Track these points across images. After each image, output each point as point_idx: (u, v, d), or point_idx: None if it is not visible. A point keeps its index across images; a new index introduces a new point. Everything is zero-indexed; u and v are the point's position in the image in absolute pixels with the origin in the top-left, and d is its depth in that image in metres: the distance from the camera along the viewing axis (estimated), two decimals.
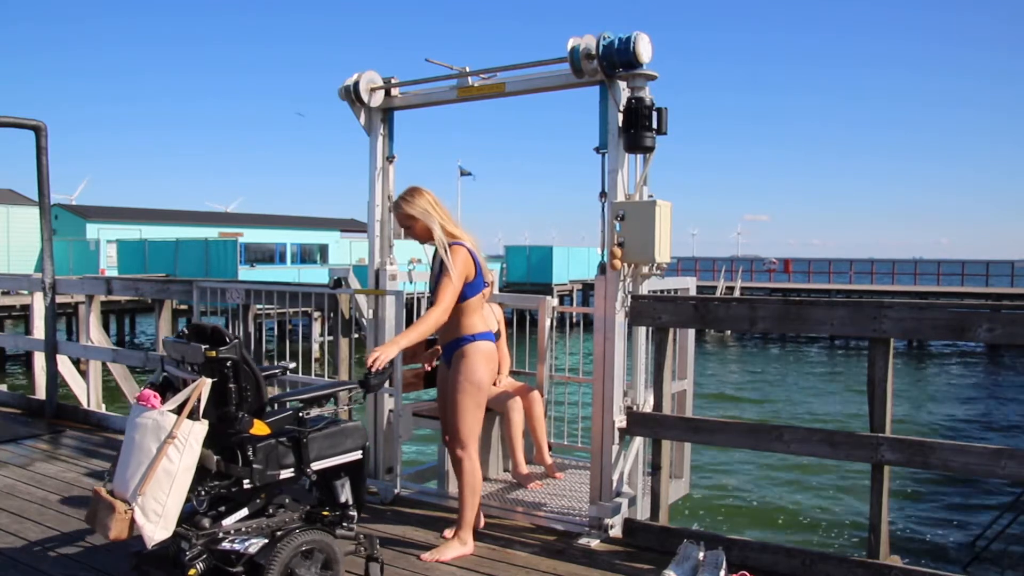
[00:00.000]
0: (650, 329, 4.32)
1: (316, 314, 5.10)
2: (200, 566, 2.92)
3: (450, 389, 3.87)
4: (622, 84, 3.99)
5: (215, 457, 3.03)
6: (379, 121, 4.89)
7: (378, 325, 4.90)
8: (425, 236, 3.88)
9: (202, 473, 3.01)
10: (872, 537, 3.58)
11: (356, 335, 5.25)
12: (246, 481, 3.07)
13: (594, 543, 4.03)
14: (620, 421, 4.12)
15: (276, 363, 3.53)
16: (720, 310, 4.01)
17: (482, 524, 4.24)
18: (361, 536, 3.39)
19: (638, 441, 4.35)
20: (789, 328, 3.90)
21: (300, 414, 3.19)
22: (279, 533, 3.09)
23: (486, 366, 3.85)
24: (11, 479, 5.07)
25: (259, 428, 3.08)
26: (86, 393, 7.15)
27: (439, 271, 3.81)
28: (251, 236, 32.38)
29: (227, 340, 3.02)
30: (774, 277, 44.46)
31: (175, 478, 2.89)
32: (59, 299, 7.15)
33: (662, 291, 4.52)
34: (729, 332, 31.52)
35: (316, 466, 3.21)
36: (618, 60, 3.87)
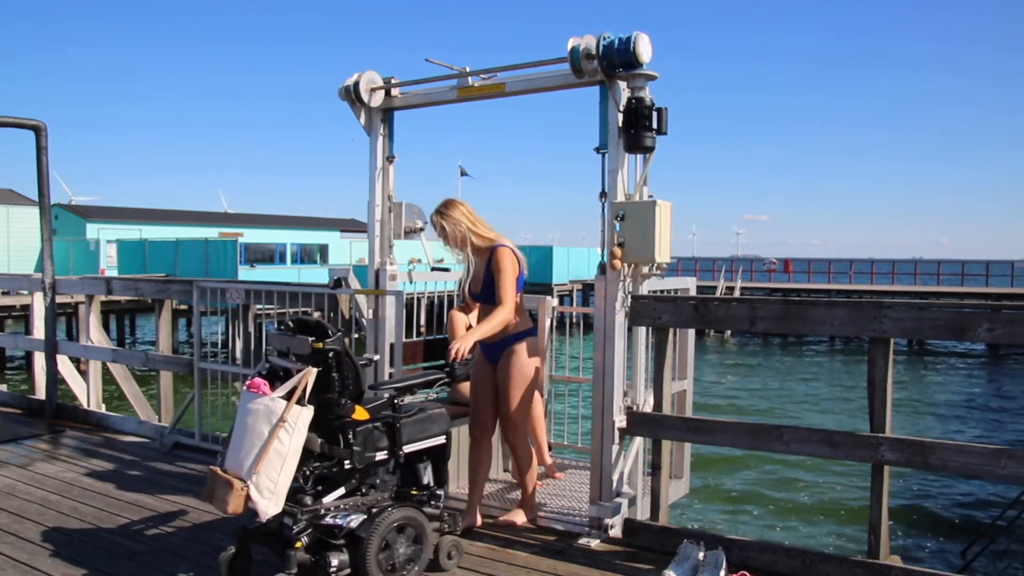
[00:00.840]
0: (650, 329, 4.32)
1: (316, 314, 5.08)
2: (305, 539, 3.22)
3: (502, 384, 4.19)
4: (622, 84, 3.99)
5: (319, 439, 3.32)
6: (379, 121, 4.89)
7: (378, 325, 4.90)
8: (461, 245, 4.18)
9: (306, 454, 3.27)
10: (872, 537, 3.57)
11: (356, 335, 5.24)
12: (347, 462, 3.35)
13: (594, 543, 4.03)
14: (620, 421, 4.12)
15: (362, 356, 4.00)
16: (720, 310, 4.01)
17: (479, 523, 4.27)
18: (445, 514, 3.66)
19: (638, 441, 4.34)
20: (789, 328, 3.90)
21: (395, 401, 3.50)
22: (374, 510, 3.37)
23: (533, 360, 4.22)
24: (11, 479, 5.07)
25: (359, 413, 3.40)
26: (86, 393, 7.15)
27: (486, 274, 4.13)
28: (251, 236, 32.37)
29: (330, 333, 3.31)
30: (774, 277, 44.43)
31: (286, 458, 3.16)
32: (59, 299, 7.15)
33: (662, 291, 4.52)
34: (729, 332, 31.54)
35: (407, 449, 3.51)
36: (618, 60, 3.87)
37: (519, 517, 4.32)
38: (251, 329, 5.57)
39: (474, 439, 4.31)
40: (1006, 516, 9.75)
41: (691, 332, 4.90)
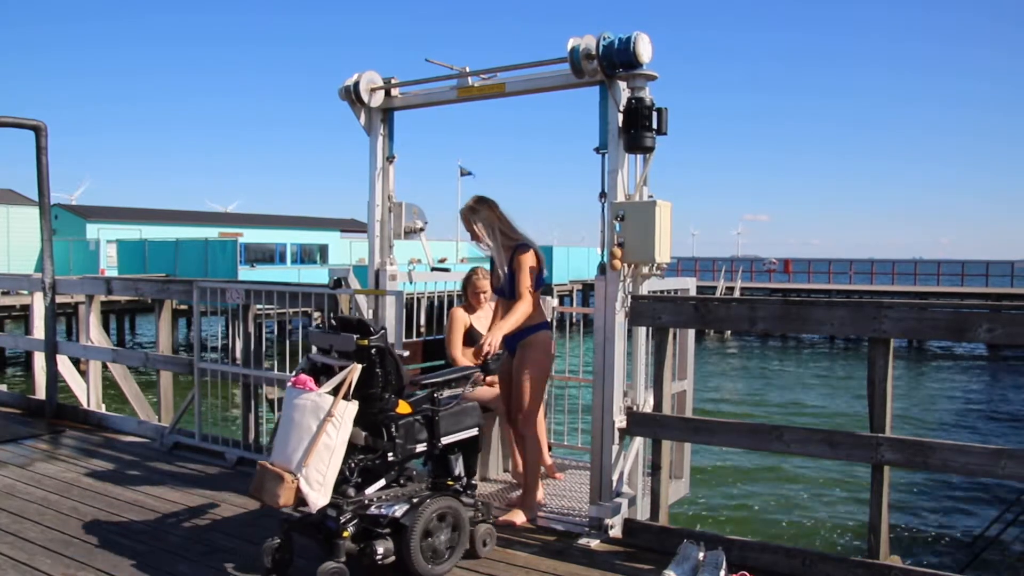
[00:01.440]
0: (650, 329, 4.32)
1: (316, 314, 5.09)
2: (351, 529, 3.34)
3: (516, 374, 4.34)
4: (622, 84, 3.99)
5: (363, 433, 3.45)
6: (379, 121, 4.89)
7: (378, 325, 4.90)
8: (489, 242, 4.35)
9: (350, 448, 3.39)
10: (872, 537, 3.57)
11: None
12: (390, 455, 3.49)
13: (594, 543, 4.03)
14: (620, 421, 4.12)
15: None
16: (720, 310, 4.01)
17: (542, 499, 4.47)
18: (479, 503, 3.82)
19: (638, 441, 4.34)
20: (789, 328, 3.90)
21: (434, 394, 3.65)
22: (415, 499, 3.50)
23: (547, 352, 4.38)
24: (11, 479, 5.07)
25: (403, 407, 3.55)
26: (86, 393, 7.14)
27: (509, 271, 4.30)
28: (251, 236, 32.33)
29: (371, 330, 3.45)
30: (774, 277, 44.46)
31: (333, 451, 3.29)
32: (59, 299, 7.15)
33: (662, 291, 4.52)
34: (729, 332, 31.53)
35: (444, 441, 3.65)
36: (618, 60, 3.87)
37: (518, 517, 4.32)
38: (251, 329, 5.56)
39: (513, 427, 4.54)
40: (1006, 516, 9.75)
41: (691, 332, 4.90)
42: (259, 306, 5.53)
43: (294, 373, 3.60)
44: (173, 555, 3.82)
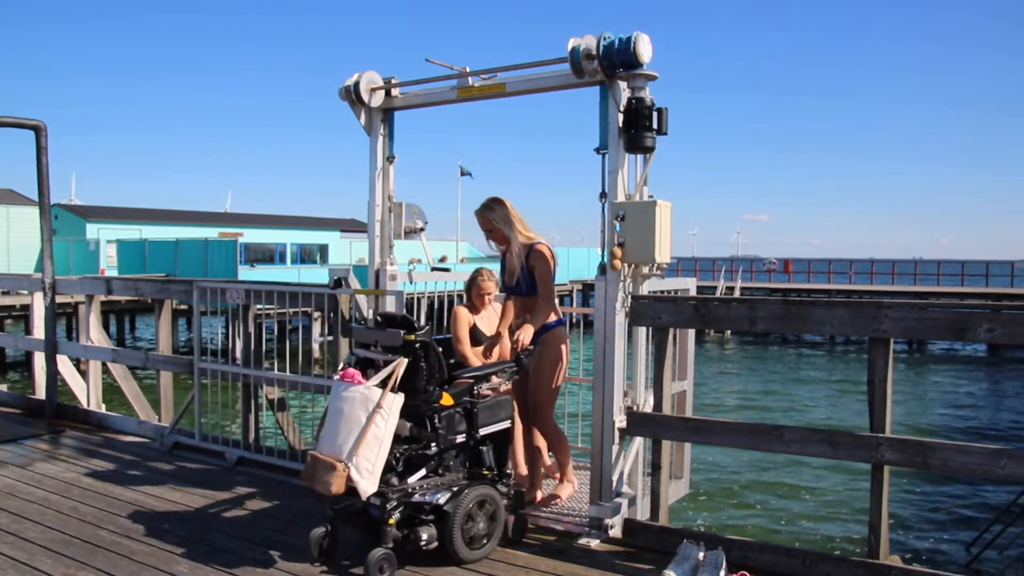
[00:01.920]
0: (650, 329, 4.32)
1: (316, 314, 5.10)
2: (397, 515, 3.51)
3: (533, 369, 4.42)
4: (622, 84, 3.99)
5: (408, 424, 3.64)
6: (379, 121, 4.89)
7: None
8: (503, 241, 4.47)
9: (395, 438, 3.55)
10: (872, 537, 3.57)
11: None
12: (433, 445, 3.69)
13: (594, 543, 4.03)
14: (620, 421, 4.12)
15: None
16: (720, 310, 4.01)
17: (539, 499, 4.52)
18: (512, 491, 3.95)
19: (638, 441, 4.34)
20: (789, 328, 3.90)
21: (474, 387, 3.83)
22: (456, 488, 3.68)
23: (562, 348, 4.50)
24: (11, 479, 5.07)
25: (446, 399, 3.71)
26: (86, 393, 7.15)
27: (526, 269, 4.42)
28: (251, 236, 32.30)
29: (415, 326, 3.65)
30: (774, 277, 44.40)
31: (382, 442, 3.47)
32: (59, 299, 7.15)
33: (662, 292, 4.52)
34: (728, 332, 31.53)
35: (481, 432, 3.83)
36: (618, 60, 3.87)
37: (564, 491, 4.66)
38: (251, 329, 5.56)
39: (532, 420, 4.64)
40: (1006, 516, 9.75)
41: (691, 332, 4.90)
42: (259, 306, 5.53)
43: (340, 367, 3.82)
44: (173, 555, 3.82)
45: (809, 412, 18.66)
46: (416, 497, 3.62)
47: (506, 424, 4.00)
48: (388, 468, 3.56)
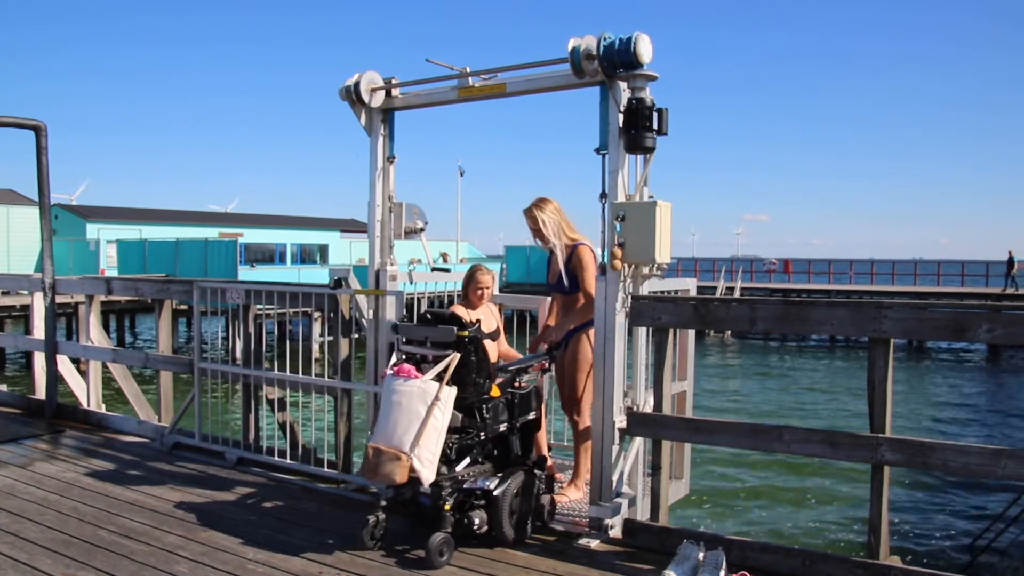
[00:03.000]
0: (650, 330, 4.32)
1: (316, 314, 5.10)
2: (451, 501, 3.74)
3: (569, 365, 4.63)
4: (623, 84, 3.99)
5: (459, 415, 3.86)
6: (380, 121, 4.89)
7: (378, 325, 4.90)
8: (552, 239, 4.60)
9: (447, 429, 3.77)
10: (872, 537, 3.58)
11: (356, 335, 5.25)
12: (481, 434, 3.92)
13: (594, 543, 4.03)
14: (620, 421, 4.12)
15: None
16: (720, 310, 4.01)
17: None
18: (544, 477, 4.15)
19: (638, 441, 4.34)
20: (789, 328, 3.90)
21: (515, 380, 4.11)
22: (500, 474, 3.92)
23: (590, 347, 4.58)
24: (11, 479, 5.07)
25: (494, 391, 3.99)
26: (86, 393, 7.14)
27: (569, 269, 4.58)
28: (251, 236, 32.31)
29: (463, 323, 3.88)
30: (774, 277, 44.40)
31: (440, 432, 3.68)
32: (59, 299, 7.14)
33: (662, 292, 4.52)
34: (728, 332, 31.52)
35: (520, 420, 4.08)
36: (619, 60, 3.87)
37: (572, 493, 4.71)
38: (251, 329, 5.56)
39: (568, 414, 4.78)
40: (1007, 516, 9.75)
41: (691, 333, 4.90)
42: (259, 306, 5.53)
43: (392, 364, 4.05)
44: (173, 555, 3.82)
45: (809, 412, 18.65)
46: (467, 484, 3.84)
47: (536, 414, 4.26)
48: (441, 457, 3.74)
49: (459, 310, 4.94)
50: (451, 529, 3.70)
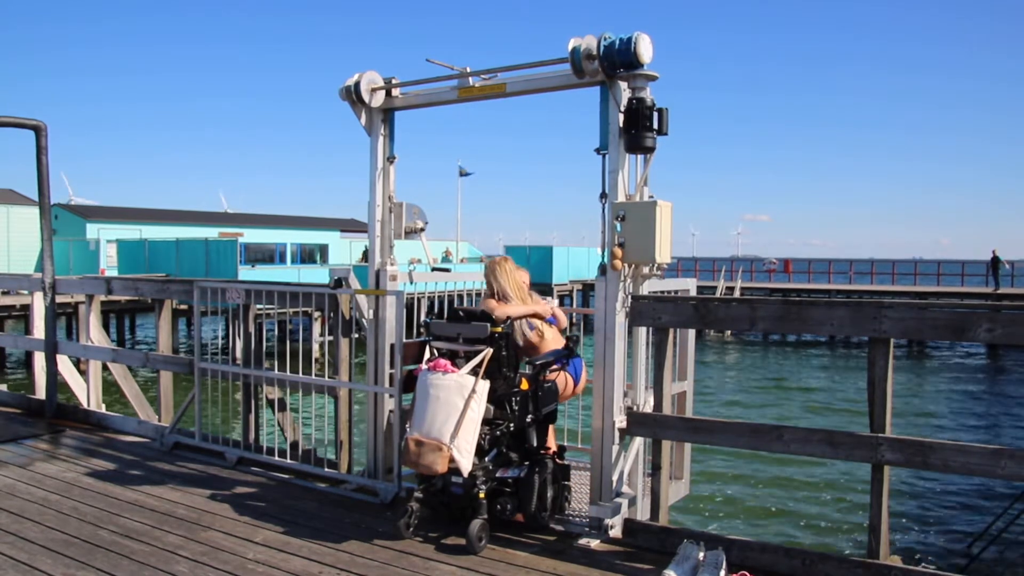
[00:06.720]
0: (650, 330, 4.32)
1: (316, 314, 5.10)
2: (484, 489, 3.95)
3: None
4: (623, 84, 3.99)
5: (491, 407, 4.03)
6: (380, 121, 4.89)
7: (378, 325, 4.90)
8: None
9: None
10: (872, 537, 3.58)
11: (356, 335, 5.25)
12: (511, 425, 4.08)
13: (594, 543, 4.03)
14: (620, 421, 4.12)
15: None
16: (720, 310, 4.01)
17: None
18: (563, 466, 4.34)
19: (638, 441, 4.34)
20: (789, 328, 3.90)
21: (539, 374, 4.20)
22: (526, 463, 4.12)
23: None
24: (11, 479, 5.07)
25: (524, 384, 4.13)
26: (86, 393, 7.14)
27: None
28: (251, 236, 32.31)
29: (493, 320, 4.09)
30: (774, 277, 44.41)
31: (476, 424, 3.87)
32: (59, 299, 7.14)
33: (662, 292, 4.51)
34: (728, 332, 31.52)
35: (544, 412, 4.18)
36: (619, 60, 3.87)
37: None
38: (251, 329, 5.56)
39: None
40: (1007, 516, 9.76)
41: (691, 332, 4.90)
42: (259, 306, 5.52)
43: (428, 359, 4.19)
44: (173, 555, 3.82)
45: (809, 412, 18.65)
46: (499, 473, 4.05)
47: (553, 406, 4.35)
48: (475, 448, 3.90)
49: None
50: (487, 515, 3.89)
